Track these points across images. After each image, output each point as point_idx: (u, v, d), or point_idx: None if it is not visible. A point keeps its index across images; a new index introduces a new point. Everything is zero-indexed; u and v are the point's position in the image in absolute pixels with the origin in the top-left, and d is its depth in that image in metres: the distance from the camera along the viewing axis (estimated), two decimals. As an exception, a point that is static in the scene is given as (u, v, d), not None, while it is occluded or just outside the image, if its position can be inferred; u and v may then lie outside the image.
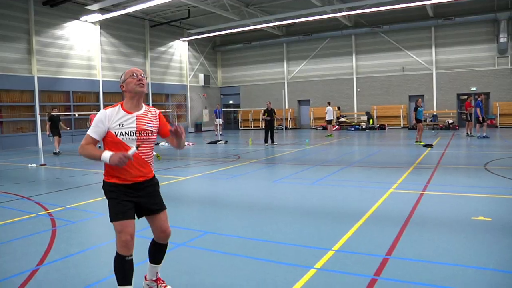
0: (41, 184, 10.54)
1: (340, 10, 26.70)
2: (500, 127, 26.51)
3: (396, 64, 29.82)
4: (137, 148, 3.26)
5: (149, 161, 3.55)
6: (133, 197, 3.43)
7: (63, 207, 7.40)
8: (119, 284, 3.34)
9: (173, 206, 7.38)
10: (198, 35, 32.01)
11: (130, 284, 3.37)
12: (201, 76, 34.69)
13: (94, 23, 25.25)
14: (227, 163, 13.02)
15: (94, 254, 4.96)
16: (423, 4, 24.63)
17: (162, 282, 3.75)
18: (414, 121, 18.24)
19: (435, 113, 28.46)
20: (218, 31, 31.12)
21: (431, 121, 28.09)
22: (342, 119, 30.67)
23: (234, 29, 29.82)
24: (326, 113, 24.19)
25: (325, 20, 29.18)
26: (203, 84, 34.83)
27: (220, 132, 25.16)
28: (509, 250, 4.60)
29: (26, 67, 21.92)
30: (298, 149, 16.70)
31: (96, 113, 21.14)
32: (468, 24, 27.47)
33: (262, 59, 35.04)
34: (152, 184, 3.59)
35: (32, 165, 13.87)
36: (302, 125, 34.02)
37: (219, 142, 20.71)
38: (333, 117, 24.51)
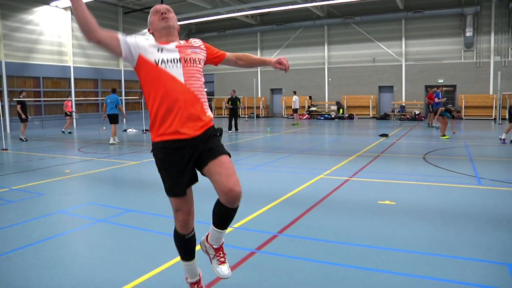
0: (-4, 167, 10.89)
1: (313, 0, 27.09)
2: (465, 119, 27.33)
3: (367, 55, 30.41)
4: None
5: (204, 101, 2.98)
6: (188, 158, 2.88)
7: (8, 188, 7.80)
8: (183, 260, 3.17)
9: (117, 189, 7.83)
10: (172, 22, 32.11)
11: (194, 257, 3.17)
12: (175, 63, 34.83)
13: (65, 8, 25.27)
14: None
15: (19, 229, 5.38)
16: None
17: (222, 255, 3.10)
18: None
19: (403, 104, 29.19)
20: (192, 19, 31.33)
21: (398, 111, 28.82)
22: (313, 108, 31.24)
23: (207, 17, 30.05)
24: (293, 102, 24.74)
25: (299, 10, 29.54)
26: (177, 72, 35.00)
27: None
28: (386, 227, 5.17)
29: (-6, 52, 21.99)
30: (258, 137, 17.23)
31: (71, 99, 21.61)
32: (436, 18, 28.14)
33: (237, 48, 35.22)
34: (210, 134, 2.96)
35: (-6, 149, 14.16)
36: (275, 113, 34.54)
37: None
38: (298, 106, 25.12)
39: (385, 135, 16.55)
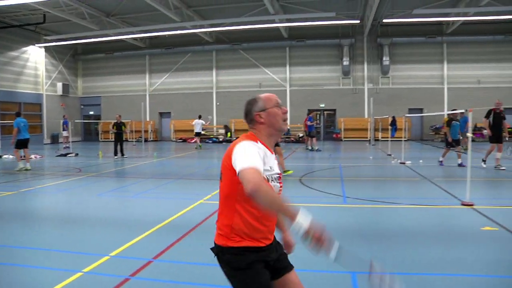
0: None
1: (201, 26, 27.54)
2: (344, 140, 29.53)
3: (253, 80, 31.62)
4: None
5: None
6: (269, 263, 2.52)
7: None
8: None
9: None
10: (56, 41, 30.49)
11: None
12: (60, 85, 33.12)
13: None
14: (65, 177, 12.87)
15: None
16: (276, 26, 26.71)
17: None
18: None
19: (288, 127, 30.48)
20: (78, 39, 30.17)
21: (284, 134, 30.16)
22: (202, 132, 31.48)
23: (94, 38, 29.09)
24: (194, 125, 24.87)
25: (188, 35, 29.86)
26: (61, 94, 33.30)
27: (67, 145, 24.25)
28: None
29: None
30: (144, 163, 17.00)
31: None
32: (317, 47, 30.37)
33: (125, 70, 34.64)
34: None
35: None
36: (163, 137, 34.29)
37: (69, 155, 20.14)
38: (200, 130, 25.23)
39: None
